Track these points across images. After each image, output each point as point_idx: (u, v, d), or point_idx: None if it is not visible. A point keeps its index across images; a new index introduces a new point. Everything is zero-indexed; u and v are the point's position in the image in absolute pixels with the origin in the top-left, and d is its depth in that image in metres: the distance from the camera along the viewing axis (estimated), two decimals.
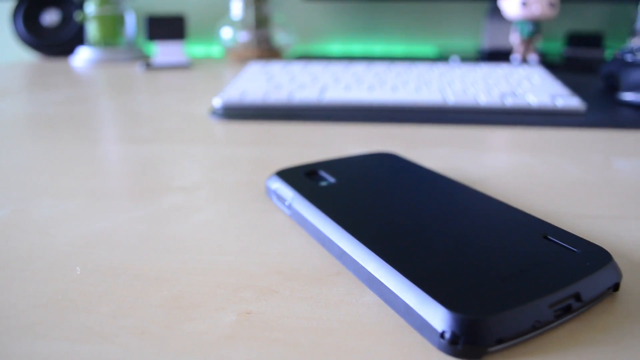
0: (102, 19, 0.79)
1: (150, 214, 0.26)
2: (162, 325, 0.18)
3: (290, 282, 0.20)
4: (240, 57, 0.79)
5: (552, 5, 0.70)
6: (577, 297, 0.17)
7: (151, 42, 0.74)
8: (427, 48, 0.94)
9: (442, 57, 0.81)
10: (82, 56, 0.79)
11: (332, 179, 0.26)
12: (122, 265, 0.22)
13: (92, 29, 0.80)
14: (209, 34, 0.94)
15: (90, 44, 0.81)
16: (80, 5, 0.82)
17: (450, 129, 0.42)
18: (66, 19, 0.84)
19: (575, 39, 0.86)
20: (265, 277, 0.20)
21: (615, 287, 0.19)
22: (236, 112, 0.45)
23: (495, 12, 0.83)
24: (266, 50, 0.79)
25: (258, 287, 0.20)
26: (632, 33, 0.84)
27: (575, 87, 0.57)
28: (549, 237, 0.20)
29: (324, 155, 0.35)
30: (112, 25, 0.80)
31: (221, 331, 0.17)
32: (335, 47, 0.95)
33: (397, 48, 0.95)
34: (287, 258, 0.22)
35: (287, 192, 0.25)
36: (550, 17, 0.70)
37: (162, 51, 0.75)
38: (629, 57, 0.52)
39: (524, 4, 0.70)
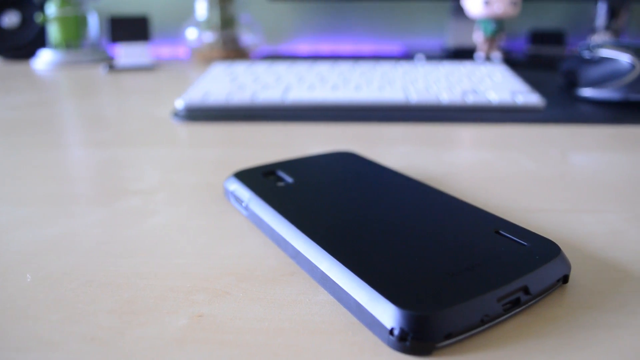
0: (63, 20, 0.77)
1: (106, 218, 0.26)
2: (112, 330, 0.17)
3: (244, 283, 0.20)
4: (206, 57, 0.78)
5: (514, 3, 0.71)
6: (526, 290, 0.18)
7: (114, 43, 0.73)
8: (394, 47, 0.95)
9: (408, 56, 0.82)
10: (44, 59, 0.77)
11: (289, 179, 0.26)
12: (74, 271, 0.21)
13: (53, 31, 0.78)
14: (174, 34, 0.93)
15: (51, 46, 0.79)
16: (40, 7, 0.81)
17: (412, 127, 0.42)
18: (26, 20, 0.82)
19: (538, 37, 0.88)
20: (219, 279, 0.20)
21: (565, 279, 0.20)
22: (199, 114, 0.44)
23: (459, 11, 0.84)
24: (232, 50, 0.78)
25: (211, 289, 0.20)
26: (593, 30, 0.86)
27: (536, 84, 0.58)
28: (500, 231, 0.20)
29: (286, 156, 0.35)
30: (74, 26, 0.78)
31: (172, 335, 0.17)
32: (303, 47, 0.95)
33: (365, 47, 0.95)
34: (242, 259, 0.22)
35: (244, 193, 0.25)
36: (513, 15, 0.72)
37: (126, 52, 0.73)
38: (586, 54, 0.53)
39: (487, 2, 0.71)
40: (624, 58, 0.49)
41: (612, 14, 0.84)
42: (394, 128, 0.42)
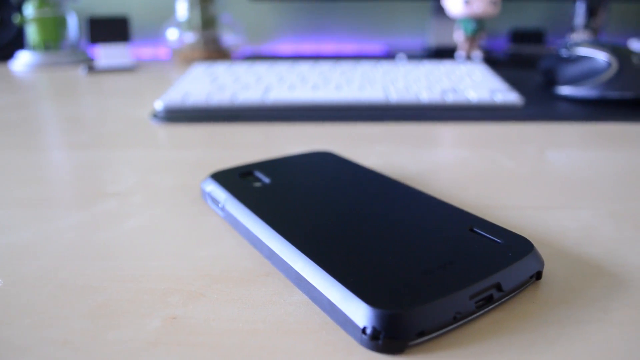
0: (41, 21, 0.76)
1: (81, 221, 0.26)
2: (85, 334, 0.17)
3: (219, 284, 0.20)
4: (187, 58, 0.78)
5: (494, 3, 0.71)
6: (498, 287, 0.18)
7: (94, 44, 0.72)
8: (376, 46, 0.95)
9: (390, 55, 0.82)
10: (22, 60, 0.76)
11: (266, 180, 0.26)
12: (48, 274, 0.21)
13: (31, 32, 0.77)
14: (155, 35, 0.93)
15: (30, 48, 0.78)
16: (18, 8, 0.80)
17: (392, 127, 0.42)
18: (4, 22, 0.81)
19: (519, 36, 0.88)
20: (194, 281, 0.20)
21: (538, 275, 0.20)
22: (178, 115, 0.44)
23: (440, 10, 0.85)
24: (214, 51, 0.78)
25: (185, 291, 0.19)
26: (572, 29, 0.87)
27: (515, 83, 0.59)
28: (474, 229, 0.21)
29: (265, 156, 0.35)
30: (53, 27, 0.77)
31: (145, 338, 0.17)
32: (285, 47, 0.95)
33: (347, 47, 0.95)
34: (218, 261, 0.22)
35: (220, 194, 0.25)
36: (493, 14, 0.72)
37: (106, 54, 0.73)
38: (564, 53, 0.54)
39: (467, 2, 0.71)
40: (601, 56, 0.50)
41: (591, 13, 0.85)
42: (374, 127, 0.42)
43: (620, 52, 0.49)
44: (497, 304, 0.18)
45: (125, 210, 0.27)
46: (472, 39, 0.75)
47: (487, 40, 0.95)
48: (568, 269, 0.21)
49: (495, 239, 0.20)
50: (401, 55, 0.80)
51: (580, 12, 0.85)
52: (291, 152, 0.35)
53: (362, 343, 0.16)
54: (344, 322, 0.16)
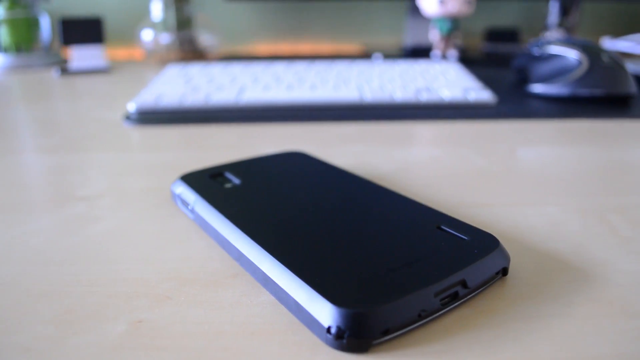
0: (13, 23, 0.75)
1: (48, 226, 0.25)
2: (49, 340, 0.17)
3: (186, 287, 0.20)
4: (162, 59, 0.77)
5: (468, 2, 0.72)
6: (464, 283, 0.18)
7: (67, 46, 0.71)
8: (353, 46, 0.95)
9: (367, 55, 0.82)
10: None
11: (237, 181, 0.26)
12: (12, 281, 0.21)
13: (2, 34, 0.76)
14: (130, 36, 0.92)
15: (1, 50, 0.77)
16: None
17: (366, 126, 0.42)
18: None
19: (494, 35, 0.89)
20: (161, 284, 0.20)
21: (504, 271, 0.20)
22: (151, 117, 0.44)
23: (415, 10, 0.85)
24: (190, 51, 0.77)
25: (152, 294, 0.19)
26: (545, 28, 0.88)
27: (489, 81, 0.59)
28: (442, 227, 0.21)
29: (238, 157, 0.34)
30: (25, 29, 0.76)
31: (109, 343, 0.17)
32: (262, 47, 0.95)
33: (324, 47, 0.95)
34: (186, 263, 0.21)
35: (189, 196, 0.25)
36: (467, 14, 0.73)
37: (79, 55, 0.72)
38: (536, 51, 0.55)
39: (441, 2, 0.72)
40: (571, 55, 0.50)
41: (564, 12, 0.86)
42: (349, 127, 0.42)
43: (590, 51, 0.50)
44: (462, 300, 0.18)
45: (94, 214, 0.26)
46: (448, 38, 0.75)
47: (461, 39, 0.96)
48: (534, 265, 0.21)
49: (462, 236, 0.20)
50: (377, 54, 0.80)
51: (553, 11, 0.86)
52: (264, 153, 0.35)
53: (327, 342, 0.16)
54: (309, 322, 0.16)
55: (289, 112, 0.44)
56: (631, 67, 0.62)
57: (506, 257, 0.20)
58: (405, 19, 0.91)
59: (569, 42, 0.52)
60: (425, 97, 0.46)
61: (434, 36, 0.76)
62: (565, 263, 0.21)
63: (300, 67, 0.57)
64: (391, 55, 0.81)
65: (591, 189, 0.29)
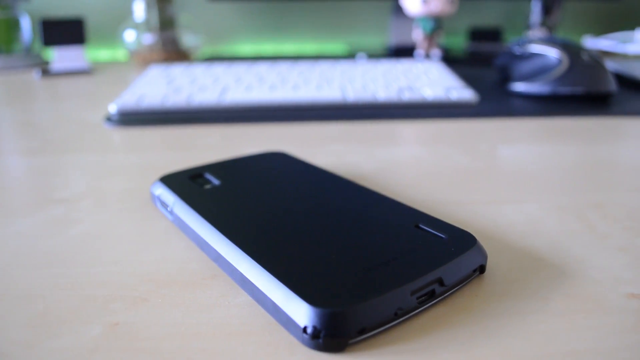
0: None
1: (26, 228, 0.25)
2: (24, 344, 0.17)
3: (164, 289, 0.20)
4: (145, 60, 0.76)
5: (451, 2, 0.72)
6: (440, 282, 0.18)
7: (48, 47, 0.70)
8: (337, 46, 0.95)
9: (351, 55, 0.82)
10: None
11: (216, 182, 0.26)
12: None
13: None
14: (112, 37, 0.91)
15: None
16: None
17: (349, 125, 0.42)
18: None
19: (477, 34, 0.90)
20: (138, 286, 0.20)
21: (481, 269, 0.20)
22: (133, 118, 0.43)
23: (399, 9, 0.85)
24: (173, 52, 0.77)
25: (129, 297, 0.19)
26: (528, 27, 0.89)
27: (472, 80, 0.59)
28: (420, 225, 0.21)
29: (220, 158, 0.34)
30: (5, 30, 0.75)
31: (85, 345, 0.17)
32: (246, 48, 0.94)
33: (308, 47, 0.95)
34: (164, 265, 0.21)
35: (169, 197, 0.24)
36: (450, 13, 0.73)
37: (60, 56, 0.71)
38: (517, 50, 0.55)
39: (424, 1, 0.72)
40: (552, 53, 0.51)
41: (546, 11, 0.87)
42: (331, 127, 0.42)
43: (570, 49, 0.51)
44: (440, 298, 0.18)
45: (72, 216, 0.26)
46: (431, 37, 0.76)
47: (445, 38, 0.96)
48: (512, 262, 0.21)
49: (440, 234, 0.20)
50: (361, 54, 0.80)
51: (535, 10, 0.87)
52: (246, 153, 0.35)
53: (303, 342, 0.16)
54: (286, 322, 0.16)
55: (272, 113, 0.44)
56: (611, 65, 0.62)
57: (483, 255, 0.20)
58: (389, 19, 0.92)
59: (549, 41, 0.52)
60: (407, 96, 0.46)
61: (418, 35, 0.76)
62: (542, 260, 0.22)
63: (283, 67, 0.57)
64: (375, 54, 0.81)
65: (570, 186, 0.30)
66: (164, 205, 0.25)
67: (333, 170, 0.32)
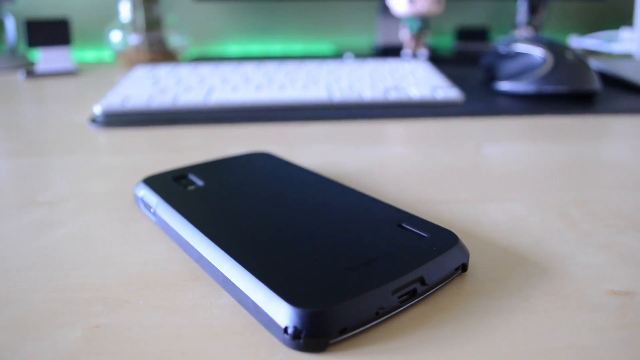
0: None
1: (7, 231, 0.25)
2: (4, 348, 0.17)
3: (146, 291, 0.19)
4: (132, 60, 0.76)
5: (437, 1, 0.73)
6: (422, 281, 0.18)
7: (32, 48, 0.70)
8: (324, 46, 0.95)
9: (338, 55, 0.82)
10: None
11: (200, 183, 0.26)
12: None
13: None
14: (99, 37, 0.91)
15: None
16: None
17: (335, 125, 0.42)
18: None
19: (464, 34, 0.90)
20: (120, 288, 0.20)
21: (464, 267, 0.20)
22: (118, 119, 0.43)
23: (386, 9, 0.85)
24: (159, 53, 0.76)
25: (111, 299, 0.19)
26: (514, 26, 0.90)
27: (458, 79, 0.60)
28: (402, 225, 0.21)
29: (205, 159, 0.34)
30: None
31: (65, 349, 0.16)
32: (233, 48, 0.94)
33: (296, 47, 0.95)
34: (146, 267, 0.21)
35: (152, 198, 0.24)
36: (437, 13, 0.73)
37: (45, 57, 0.71)
38: (502, 50, 0.55)
39: (411, 1, 0.72)
40: (537, 52, 0.51)
41: (532, 10, 0.87)
42: (317, 126, 0.42)
43: (555, 48, 0.51)
44: (421, 297, 0.18)
45: (55, 219, 0.26)
46: (418, 37, 0.76)
47: (432, 37, 0.96)
48: (494, 260, 0.22)
49: (422, 233, 0.20)
50: (348, 54, 0.81)
51: (522, 10, 0.87)
52: (231, 154, 0.35)
53: (284, 343, 0.16)
54: (267, 322, 0.16)
55: (258, 113, 0.44)
56: (595, 64, 0.63)
57: (465, 253, 0.20)
58: (376, 19, 0.92)
59: (534, 40, 0.53)
60: (393, 95, 0.46)
61: (404, 35, 0.77)
62: (524, 258, 0.22)
63: (270, 67, 0.57)
64: (363, 54, 0.81)
65: (553, 184, 0.30)
66: (147, 206, 0.25)
67: (318, 170, 0.32)
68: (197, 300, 0.19)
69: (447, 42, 0.97)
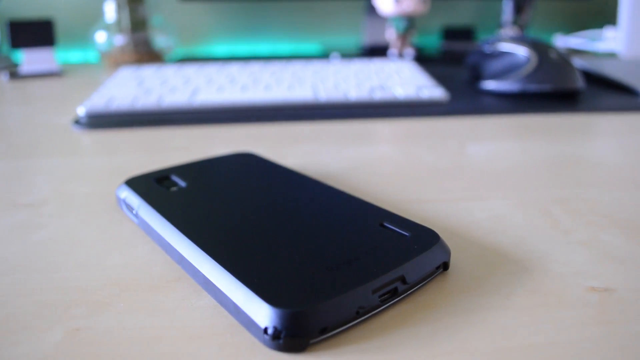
0: None
1: None
2: None
3: (127, 293, 0.19)
4: (117, 61, 0.76)
5: (423, 1, 0.73)
6: (403, 279, 0.18)
7: (16, 49, 0.69)
8: (311, 46, 0.95)
9: (325, 55, 0.82)
10: None
11: (183, 184, 0.26)
12: None
13: None
14: (83, 38, 0.90)
15: None
16: None
17: (320, 125, 0.42)
18: None
19: (450, 33, 0.91)
20: (101, 291, 0.19)
21: (445, 266, 0.20)
22: (102, 120, 0.43)
23: (373, 9, 0.86)
24: (145, 53, 0.76)
25: (91, 301, 0.19)
26: (500, 25, 0.90)
27: (444, 79, 0.60)
28: (384, 224, 0.21)
29: (189, 159, 0.34)
30: None
31: (44, 352, 0.16)
32: (220, 49, 0.94)
33: (283, 47, 0.95)
34: (127, 268, 0.21)
35: (134, 200, 0.24)
36: (422, 12, 0.74)
37: (29, 59, 0.70)
38: (487, 49, 0.56)
39: (397, 1, 0.72)
40: (521, 51, 0.51)
41: (518, 10, 0.88)
42: (303, 127, 0.42)
43: (539, 48, 0.51)
44: (402, 296, 0.18)
45: (36, 222, 0.26)
46: (404, 36, 0.76)
47: (419, 37, 0.97)
48: (476, 258, 0.22)
49: (403, 232, 0.20)
50: (335, 54, 0.81)
51: (507, 10, 0.88)
52: (214, 154, 0.35)
53: (264, 343, 0.16)
54: (248, 323, 0.16)
55: (243, 113, 0.44)
56: (579, 62, 0.64)
57: (447, 252, 0.20)
58: (363, 18, 0.92)
59: (518, 40, 0.53)
60: (379, 95, 0.46)
61: (391, 35, 0.77)
62: (506, 256, 0.22)
63: (255, 67, 0.57)
64: (349, 54, 0.81)
65: (536, 182, 0.30)
66: (130, 208, 0.24)
67: (303, 170, 0.32)
68: (178, 302, 0.19)
69: (434, 41, 0.97)
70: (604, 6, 1.01)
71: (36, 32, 0.70)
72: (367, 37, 0.88)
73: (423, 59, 0.77)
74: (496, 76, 0.52)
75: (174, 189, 0.25)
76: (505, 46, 0.53)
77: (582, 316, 0.18)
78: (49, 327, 0.18)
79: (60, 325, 0.18)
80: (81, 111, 0.44)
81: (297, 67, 0.57)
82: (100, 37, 0.75)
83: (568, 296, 0.19)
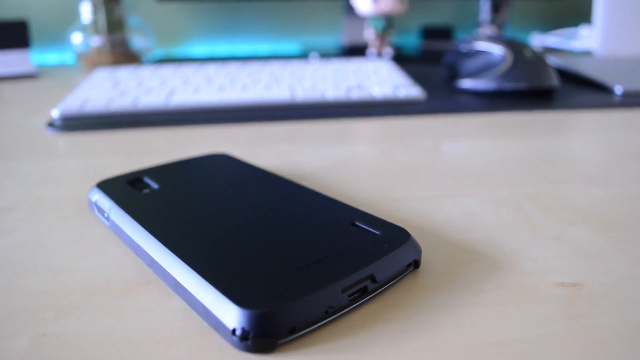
0: None
1: None
2: None
3: (96, 297, 0.19)
4: (93, 63, 0.75)
5: (401, 0, 0.73)
6: (372, 278, 0.18)
7: None
8: (291, 46, 0.95)
9: (304, 55, 0.82)
10: None
11: (155, 186, 0.25)
12: None
13: None
14: (59, 39, 0.89)
15: None
16: None
17: (297, 125, 0.42)
18: None
19: (429, 33, 0.91)
20: (69, 295, 0.19)
21: (416, 264, 0.20)
22: (76, 123, 0.42)
23: (351, 9, 0.86)
24: (122, 55, 0.75)
25: (60, 306, 0.19)
26: (478, 24, 0.91)
27: (422, 78, 0.60)
28: (355, 223, 0.21)
29: (164, 161, 0.34)
30: None
31: (10, 358, 0.16)
32: (199, 49, 0.93)
33: (262, 47, 0.95)
34: (98, 272, 0.21)
35: (105, 203, 0.24)
36: (400, 12, 0.74)
37: (4, 60, 0.69)
38: (463, 48, 0.56)
39: (375, 0, 0.73)
40: (496, 50, 0.52)
41: (495, 9, 0.89)
42: (279, 127, 0.42)
43: (514, 46, 0.52)
44: (373, 295, 0.18)
45: (6, 226, 0.25)
46: (382, 36, 0.76)
47: (398, 37, 0.97)
48: (447, 256, 0.22)
49: (374, 231, 0.20)
50: (314, 54, 0.81)
51: (485, 9, 0.89)
52: (189, 156, 0.35)
53: (233, 344, 0.16)
54: (216, 325, 0.16)
55: (220, 114, 0.44)
56: (554, 61, 0.64)
57: (417, 250, 0.20)
58: (342, 18, 0.92)
59: (494, 39, 0.54)
60: (356, 95, 0.46)
61: (369, 35, 0.77)
62: (477, 253, 0.22)
63: (233, 68, 0.57)
64: (329, 54, 0.81)
65: (510, 179, 0.30)
66: (101, 211, 0.24)
67: (278, 170, 0.32)
68: (148, 305, 0.19)
69: (413, 41, 0.98)
70: (580, 5, 1.03)
71: (10, 34, 0.69)
72: (346, 37, 0.88)
73: (402, 59, 0.77)
74: (472, 75, 0.53)
75: (146, 191, 0.25)
76: (481, 45, 0.54)
77: (551, 311, 0.18)
78: (16, 332, 0.17)
79: (28, 330, 0.17)
80: (55, 113, 0.43)
81: (275, 67, 0.57)
82: (77, 38, 0.74)
83: (537, 292, 0.19)
